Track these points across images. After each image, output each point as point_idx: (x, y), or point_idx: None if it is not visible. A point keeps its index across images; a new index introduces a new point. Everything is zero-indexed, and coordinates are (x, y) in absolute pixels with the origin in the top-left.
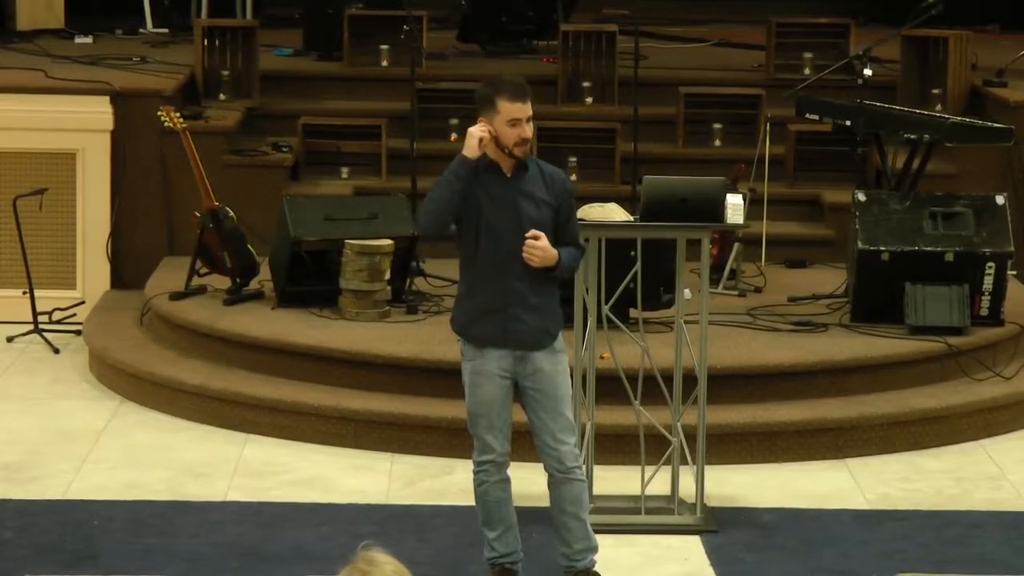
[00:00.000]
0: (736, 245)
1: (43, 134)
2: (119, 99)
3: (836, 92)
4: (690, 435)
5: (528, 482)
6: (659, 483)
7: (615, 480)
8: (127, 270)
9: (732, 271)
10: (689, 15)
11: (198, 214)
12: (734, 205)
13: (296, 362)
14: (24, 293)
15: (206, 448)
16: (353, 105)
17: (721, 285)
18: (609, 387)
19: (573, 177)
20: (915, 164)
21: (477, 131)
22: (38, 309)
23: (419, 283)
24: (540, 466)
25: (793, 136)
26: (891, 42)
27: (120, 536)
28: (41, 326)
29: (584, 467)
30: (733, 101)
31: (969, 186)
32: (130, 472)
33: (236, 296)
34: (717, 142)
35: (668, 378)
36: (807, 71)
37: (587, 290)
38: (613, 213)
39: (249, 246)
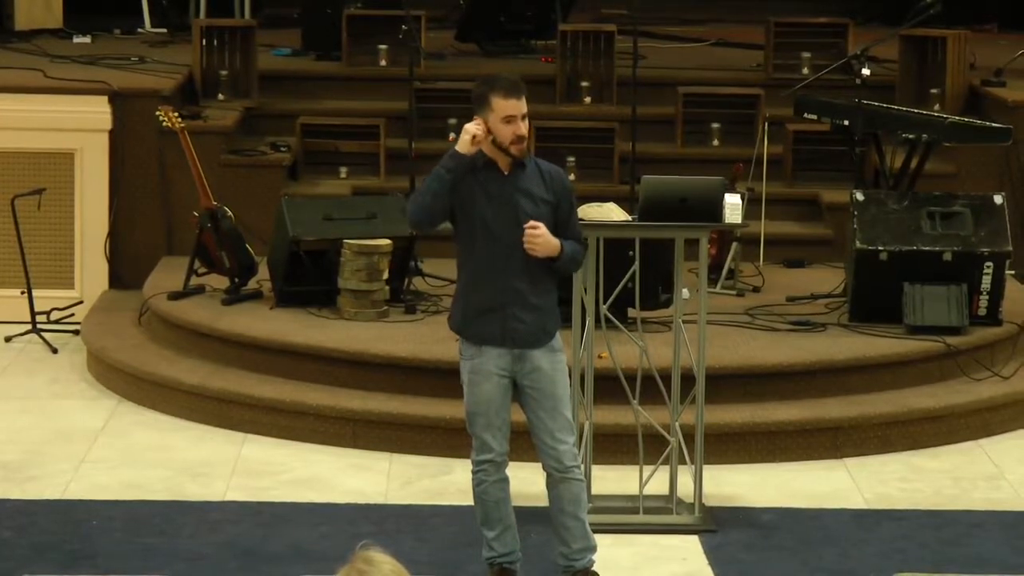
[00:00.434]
0: (734, 245)
1: (41, 134)
2: (117, 99)
3: (834, 92)
4: (688, 435)
5: (527, 482)
6: (657, 483)
7: (613, 480)
8: (125, 270)
9: (730, 271)
10: (687, 15)
11: (196, 214)
12: (732, 205)
13: (294, 362)
14: (22, 293)
15: (205, 448)
16: (351, 105)
17: (719, 285)
18: (607, 387)
19: (571, 177)
20: (913, 164)
21: (472, 127)
22: (36, 309)
23: (417, 283)
24: (539, 465)
25: (791, 136)
26: (889, 42)
27: (119, 536)
28: (39, 326)
29: (583, 467)
30: (731, 101)
31: (967, 186)
32: (129, 472)
33: (234, 296)
34: (715, 142)
35: (666, 378)
36: (805, 71)
37: (585, 290)
38: (611, 213)
39: (247, 246)
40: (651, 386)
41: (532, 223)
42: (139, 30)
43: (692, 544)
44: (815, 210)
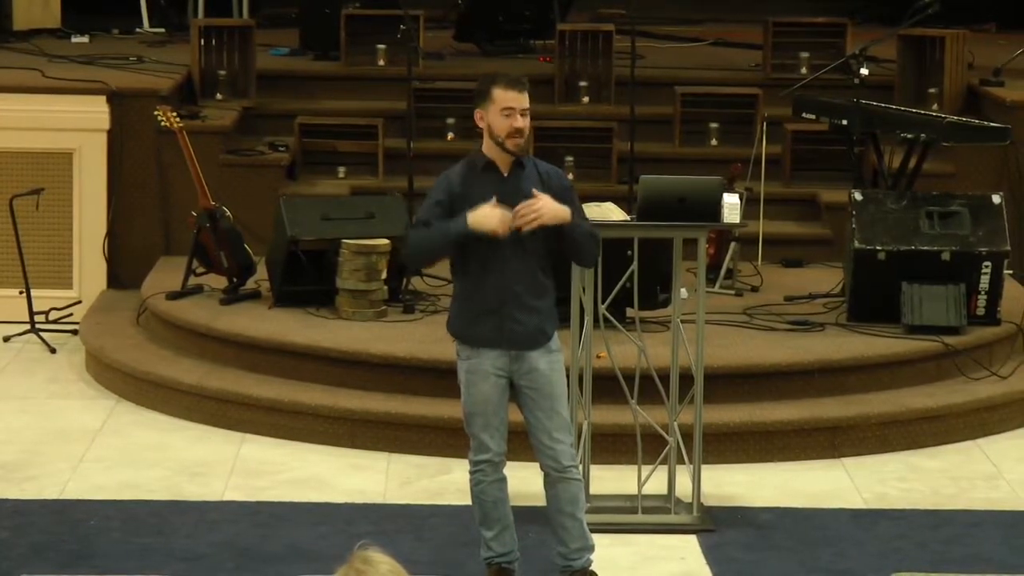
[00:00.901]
0: (733, 244)
1: (39, 134)
2: (116, 99)
3: (833, 91)
4: (687, 434)
5: (525, 481)
6: (656, 482)
7: (612, 479)
8: (124, 270)
9: (729, 270)
10: (686, 14)
11: (195, 214)
12: (731, 204)
13: (293, 362)
14: (21, 293)
15: (203, 448)
16: (350, 105)
17: (718, 284)
18: (606, 386)
19: (570, 176)
20: (911, 163)
21: (497, 217)
22: (35, 309)
23: (416, 283)
24: (537, 465)
25: (790, 135)
26: (888, 41)
27: (117, 536)
28: (38, 326)
29: (581, 466)
30: (730, 100)
31: (965, 185)
32: (127, 472)
33: (233, 296)
34: (714, 141)
35: (665, 377)
36: (804, 70)
37: (584, 289)
38: (610, 212)
39: (246, 246)
40: (649, 386)
41: (527, 202)
42: (137, 30)
43: (690, 544)
44: (813, 210)
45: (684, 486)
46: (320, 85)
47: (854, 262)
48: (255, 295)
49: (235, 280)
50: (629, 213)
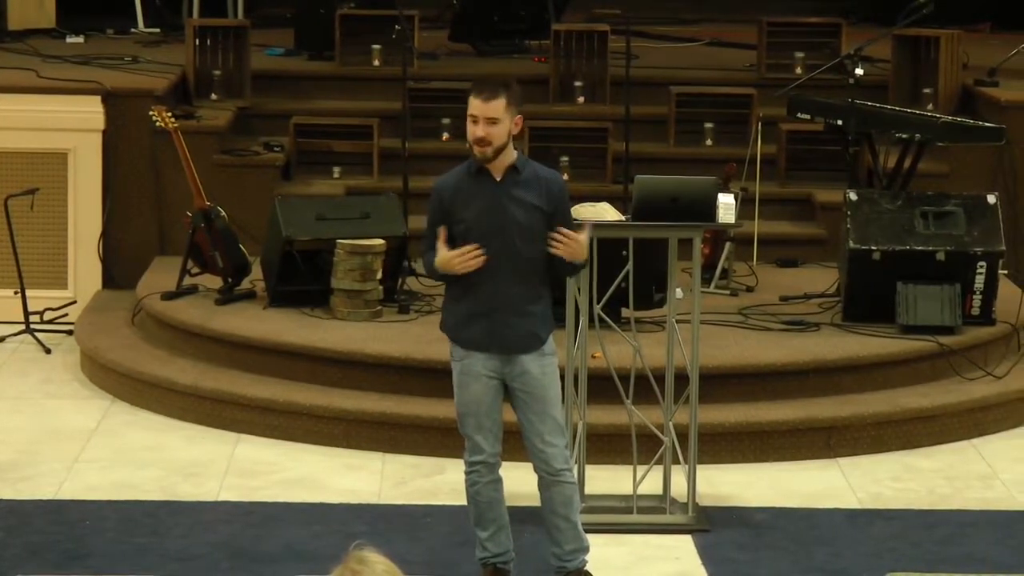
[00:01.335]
0: (728, 244)
1: (34, 134)
2: (110, 99)
3: (827, 91)
4: (682, 434)
5: (520, 481)
6: (651, 482)
7: (607, 479)
8: (118, 270)
9: (724, 270)
10: (680, 14)
11: (189, 214)
12: (726, 204)
13: (288, 362)
14: (15, 293)
15: (198, 448)
16: (345, 105)
17: (713, 284)
18: (601, 387)
19: (565, 176)
20: (906, 163)
21: (456, 263)
22: (29, 309)
23: (411, 283)
24: (532, 465)
25: (784, 135)
26: (882, 41)
27: (111, 536)
28: (32, 326)
29: (575, 467)
30: (724, 100)
31: (960, 185)
32: (122, 472)
33: (228, 296)
34: (708, 141)
35: (660, 377)
36: (798, 71)
37: (579, 289)
38: (605, 212)
39: (241, 246)
40: (645, 386)
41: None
42: (132, 30)
43: (685, 543)
44: (808, 210)
45: (679, 486)
46: (315, 85)
47: (849, 262)
48: (250, 295)
49: (230, 280)
50: (624, 213)
